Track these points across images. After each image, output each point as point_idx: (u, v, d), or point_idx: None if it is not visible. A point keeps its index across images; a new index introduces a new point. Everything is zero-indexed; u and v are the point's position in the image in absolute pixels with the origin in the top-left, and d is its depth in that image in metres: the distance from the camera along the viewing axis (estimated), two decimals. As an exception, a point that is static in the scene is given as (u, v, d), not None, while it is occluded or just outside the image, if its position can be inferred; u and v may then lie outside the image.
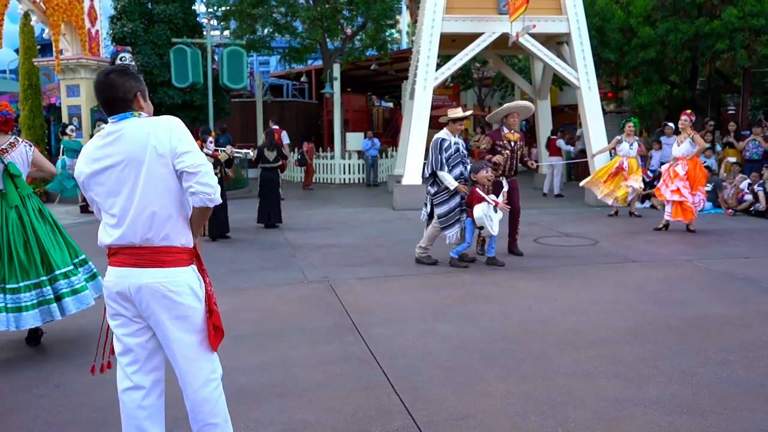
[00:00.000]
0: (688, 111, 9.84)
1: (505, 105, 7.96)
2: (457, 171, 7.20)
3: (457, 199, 7.15)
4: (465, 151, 7.42)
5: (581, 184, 11.60)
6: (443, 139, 7.24)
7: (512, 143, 7.70)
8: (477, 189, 6.99)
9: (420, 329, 5.01)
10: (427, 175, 7.32)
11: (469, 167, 7.25)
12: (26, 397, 3.83)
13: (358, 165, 19.22)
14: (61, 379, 4.10)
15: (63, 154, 12.82)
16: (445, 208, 7.15)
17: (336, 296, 6.03)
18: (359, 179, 19.09)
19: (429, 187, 7.30)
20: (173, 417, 3.48)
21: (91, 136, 14.03)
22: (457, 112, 7.38)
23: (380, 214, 11.93)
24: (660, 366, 4.17)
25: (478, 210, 6.85)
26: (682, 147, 9.53)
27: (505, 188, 7.42)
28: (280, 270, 7.24)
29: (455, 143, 7.27)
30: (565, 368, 4.16)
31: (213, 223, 9.13)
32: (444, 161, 7.11)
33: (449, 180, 7.08)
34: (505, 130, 7.78)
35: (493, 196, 7.04)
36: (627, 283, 6.49)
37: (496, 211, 7.01)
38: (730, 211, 11.49)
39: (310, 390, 3.86)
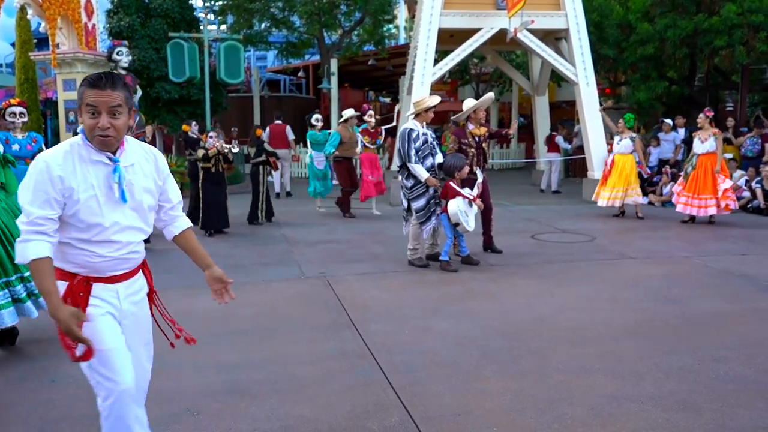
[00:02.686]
0: (706, 108, 10.19)
1: (472, 104, 7.65)
2: (428, 162, 6.92)
3: (431, 192, 6.92)
4: (434, 142, 7.14)
5: (594, 199, 10.94)
6: (411, 130, 6.92)
7: (477, 138, 7.58)
8: (451, 183, 6.78)
9: (417, 326, 5.01)
10: (398, 168, 7.07)
11: (438, 158, 7.01)
12: (21, 392, 3.82)
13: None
14: (56, 373, 4.08)
15: (309, 148, 11.86)
16: (422, 202, 6.91)
17: (333, 292, 6.02)
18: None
19: (405, 181, 7.03)
20: (170, 412, 3.48)
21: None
22: (426, 102, 7.03)
23: (378, 209, 11.91)
24: (657, 363, 4.17)
25: (453, 206, 6.66)
26: (706, 144, 9.77)
27: (480, 179, 7.14)
28: (277, 266, 7.23)
29: (424, 134, 6.97)
30: (562, 365, 4.16)
31: (207, 218, 9.11)
32: (413, 153, 6.83)
33: (420, 172, 6.81)
34: (471, 126, 7.60)
35: (468, 190, 6.86)
36: (624, 279, 6.49)
37: (471, 206, 6.83)
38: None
39: (307, 386, 3.86)
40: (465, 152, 7.50)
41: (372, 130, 11.01)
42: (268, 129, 14.09)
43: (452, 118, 8.42)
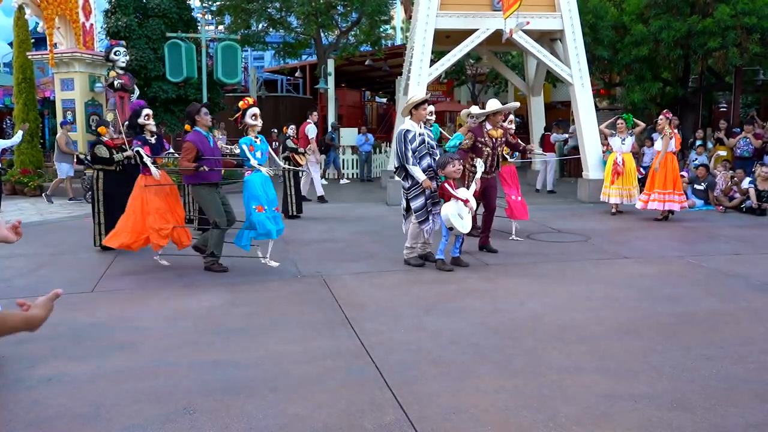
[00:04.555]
0: (665, 110, 10.70)
1: (496, 106, 7.73)
2: (425, 163, 6.90)
3: (428, 192, 6.90)
4: (432, 142, 7.12)
5: (601, 198, 11.19)
6: (407, 131, 6.89)
7: (494, 140, 7.65)
8: (446, 185, 6.76)
9: (413, 324, 5.03)
10: (395, 169, 7.10)
11: (437, 159, 7.01)
12: (18, 390, 3.83)
13: (352, 160, 19.21)
14: (53, 372, 4.10)
15: None
16: (420, 201, 6.90)
17: (329, 291, 6.04)
18: (353, 174, 19.09)
19: (403, 182, 7.02)
20: (166, 411, 3.50)
21: (90, 131, 14.04)
22: (413, 98, 7.03)
23: (374, 209, 11.93)
24: (650, 361, 4.21)
25: (446, 209, 6.65)
26: (656, 144, 10.48)
27: (478, 174, 7.11)
28: (273, 265, 7.25)
29: (420, 134, 6.94)
30: (556, 364, 4.19)
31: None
32: (410, 154, 6.82)
33: (417, 174, 6.80)
34: (488, 127, 7.68)
35: (462, 190, 6.83)
36: (618, 279, 6.52)
37: (466, 205, 6.77)
38: (720, 208, 11.57)
39: (302, 384, 3.87)
40: (480, 151, 7.55)
41: (512, 140, 8.89)
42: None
43: (471, 111, 8.36)
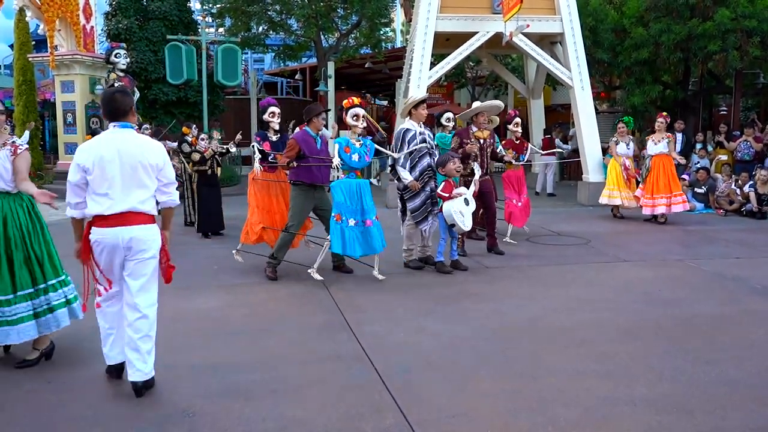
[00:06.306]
0: (664, 113, 10.70)
1: (475, 105, 7.81)
2: (425, 163, 6.83)
3: (427, 191, 6.86)
4: (432, 142, 7.05)
5: (601, 201, 11.00)
6: (407, 130, 6.81)
7: (481, 141, 7.63)
8: (443, 187, 6.74)
9: (412, 327, 5.03)
10: (390, 168, 7.09)
11: (437, 158, 6.99)
12: (17, 393, 3.83)
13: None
14: (53, 374, 4.10)
15: None
16: (417, 202, 6.85)
17: (329, 294, 6.04)
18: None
19: (398, 182, 6.97)
20: (165, 413, 3.50)
21: (89, 131, 14.04)
22: (412, 98, 6.98)
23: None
24: (650, 365, 4.20)
25: (447, 206, 6.63)
26: (659, 146, 10.23)
27: (477, 175, 7.08)
28: (273, 268, 7.23)
29: (421, 134, 6.86)
30: (555, 367, 4.18)
31: (204, 220, 9.12)
32: (404, 154, 6.76)
33: (404, 175, 6.75)
34: (474, 129, 7.70)
35: (463, 188, 6.81)
36: (618, 282, 6.52)
37: (467, 204, 6.74)
38: (721, 211, 11.57)
39: (302, 387, 3.87)
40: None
41: (517, 142, 8.81)
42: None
43: (457, 116, 8.40)
